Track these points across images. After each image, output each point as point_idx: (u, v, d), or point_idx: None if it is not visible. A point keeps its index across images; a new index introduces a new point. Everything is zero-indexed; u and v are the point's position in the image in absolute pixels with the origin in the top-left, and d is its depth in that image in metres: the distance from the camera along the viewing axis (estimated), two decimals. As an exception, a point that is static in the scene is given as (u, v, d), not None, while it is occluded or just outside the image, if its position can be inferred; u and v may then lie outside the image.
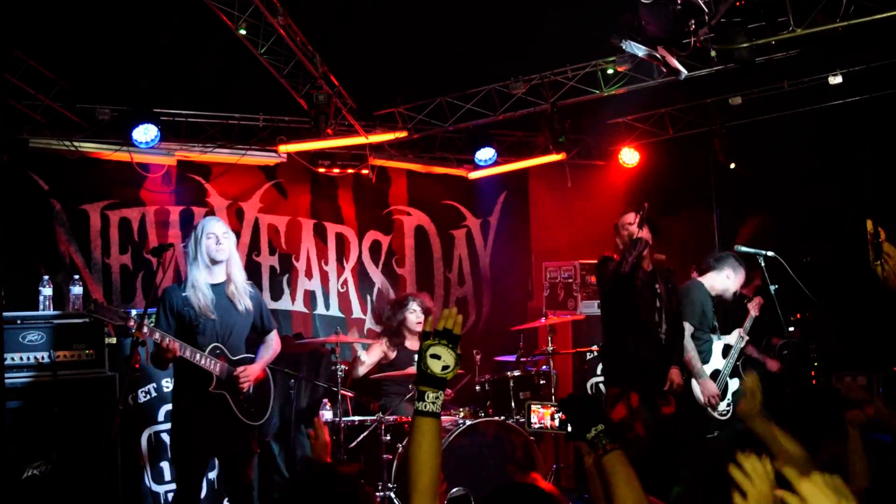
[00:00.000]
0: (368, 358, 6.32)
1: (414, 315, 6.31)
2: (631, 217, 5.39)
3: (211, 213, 7.01)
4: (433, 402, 2.23)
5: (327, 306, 7.49)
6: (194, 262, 4.70)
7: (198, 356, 4.54)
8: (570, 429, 2.53)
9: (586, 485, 2.69)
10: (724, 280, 6.02)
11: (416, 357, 5.62)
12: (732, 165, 7.67)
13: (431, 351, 2.26)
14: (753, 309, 6.02)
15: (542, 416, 2.70)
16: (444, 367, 2.26)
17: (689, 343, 5.76)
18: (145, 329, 4.38)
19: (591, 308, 7.21)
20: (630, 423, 5.14)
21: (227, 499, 4.98)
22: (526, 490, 2.43)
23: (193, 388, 4.61)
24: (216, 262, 4.71)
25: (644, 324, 5.36)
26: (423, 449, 2.21)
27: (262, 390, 4.90)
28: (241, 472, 4.78)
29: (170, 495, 5.77)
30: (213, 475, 6.05)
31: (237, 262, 4.85)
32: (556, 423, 2.67)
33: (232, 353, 4.72)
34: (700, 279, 6.10)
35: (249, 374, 4.72)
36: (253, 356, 4.86)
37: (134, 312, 4.60)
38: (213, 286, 4.72)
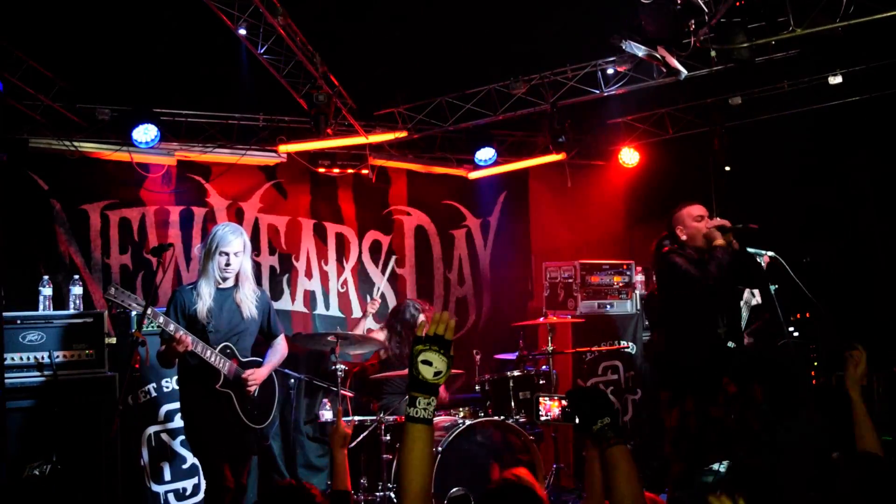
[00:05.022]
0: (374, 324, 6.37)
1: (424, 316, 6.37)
2: (702, 209, 5.12)
3: (211, 213, 7.01)
4: (425, 409, 2.22)
5: (327, 306, 7.49)
6: (204, 272, 4.83)
7: (208, 352, 4.66)
8: (577, 420, 2.56)
9: (585, 483, 2.71)
10: None
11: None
12: (727, 168, 7.66)
13: (423, 357, 2.24)
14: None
15: (550, 408, 2.74)
16: (437, 373, 2.24)
17: None
18: (161, 319, 4.52)
19: (591, 308, 7.22)
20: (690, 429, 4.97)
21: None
22: (517, 491, 2.45)
23: (200, 384, 4.71)
24: (222, 279, 4.83)
25: (706, 323, 5.02)
26: (415, 455, 2.20)
27: (266, 394, 5.01)
28: (237, 474, 4.88)
29: (170, 495, 5.77)
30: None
31: (247, 272, 4.94)
32: (561, 413, 2.71)
33: (241, 355, 4.86)
34: None
35: (257, 377, 4.85)
36: (260, 360, 4.99)
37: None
38: (221, 290, 4.85)
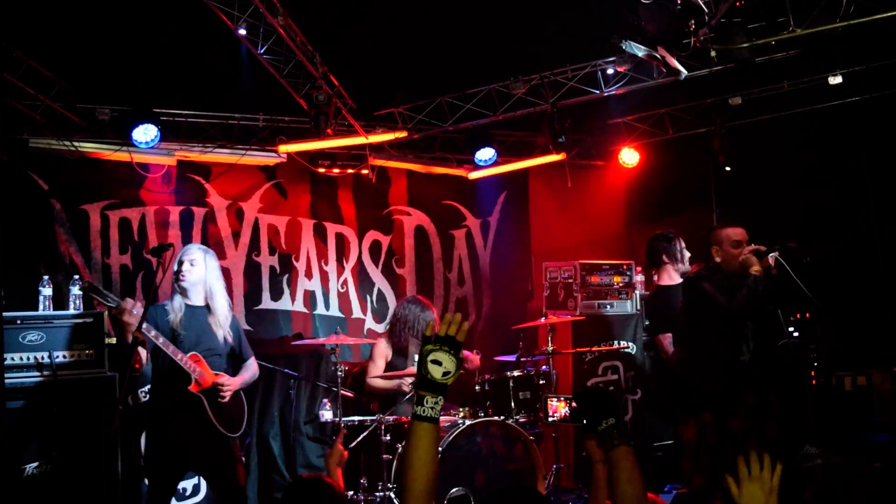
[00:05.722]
0: (377, 369, 6.32)
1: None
2: (742, 234, 5.00)
3: (211, 213, 7.02)
4: (432, 408, 2.23)
5: (327, 306, 7.49)
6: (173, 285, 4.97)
7: (179, 355, 4.69)
8: (584, 421, 2.59)
9: (586, 485, 2.73)
10: (678, 269, 6.00)
11: (415, 358, 5.62)
12: (727, 168, 7.67)
13: (433, 356, 2.26)
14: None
15: (557, 408, 2.78)
16: (445, 373, 2.25)
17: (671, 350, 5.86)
18: (109, 297, 4.58)
19: (591, 308, 7.22)
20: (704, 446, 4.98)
21: None
22: (525, 493, 2.46)
23: (171, 387, 4.74)
24: (181, 290, 4.89)
25: (729, 350, 5.01)
26: (420, 454, 2.21)
27: (237, 406, 5.06)
28: (228, 482, 4.92)
29: (170, 495, 5.77)
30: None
31: (217, 290, 4.98)
32: (568, 412, 2.74)
33: (212, 368, 4.89)
34: (658, 282, 6.18)
35: (231, 383, 4.91)
36: (231, 375, 5.03)
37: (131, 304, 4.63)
38: (193, 307, 4.92)
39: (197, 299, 4.93)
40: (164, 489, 4.81)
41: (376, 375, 6.23)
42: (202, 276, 4.92)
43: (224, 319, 4.97)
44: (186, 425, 4.75)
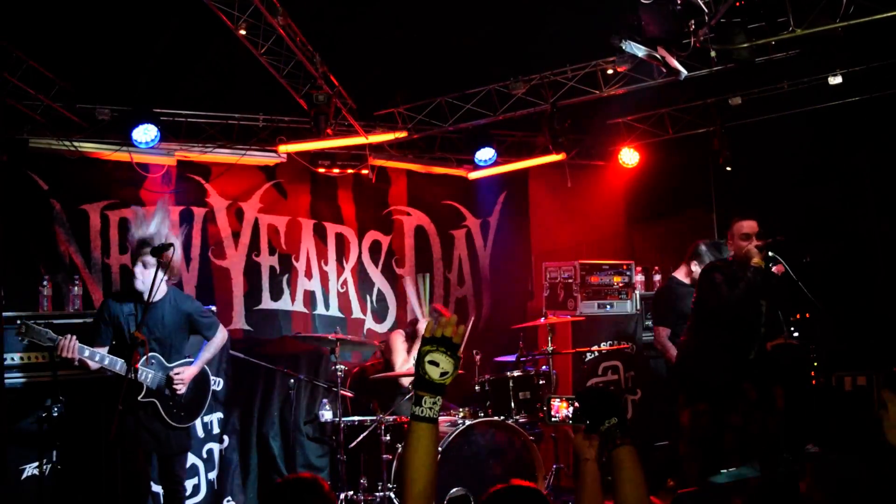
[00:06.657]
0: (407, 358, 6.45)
1: None
2: (751, 227, 5.15)
3: (211, 213, 7.01)
4: (430, 408, 2.24)
5: (327, 306, 7.49)
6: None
7: (119, 364, 4.73)
8: (587, 422, 2.60)
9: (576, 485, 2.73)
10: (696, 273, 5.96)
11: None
12: (728, 168, 7.67)
13: (430, 357, 2.27)
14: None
15: (559, 408, 2.79)
16: (443, 374, 2.26)
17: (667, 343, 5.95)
18: (38, 331, 4.63)
19: (591, 308, 7.22)
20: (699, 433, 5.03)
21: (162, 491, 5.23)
22: (525, 492, 2.46)
23: (125, 397, 4.71)
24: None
25: (738, 343, 5.12)
26: (419, 454, 2.22)
27: (198, 390, 5.13)
28: (173, 469, 5.08)
29: (169, 495, 5.77)
30: (212, 475, 6.05)
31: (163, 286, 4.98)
32: (570, 413, 2.75)
33: (168, 360, 4.97)
34: (674, 273, 6.14)
35: (185, 376, 4.98)
36: (192, 359, 5.11)
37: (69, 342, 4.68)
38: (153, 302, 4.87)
39: (158, 293, 4.93)
40: (138, 468, 4.90)
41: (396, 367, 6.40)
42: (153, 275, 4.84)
43: (171, 307, 4.99)
44: (142, 422, 4.85)
